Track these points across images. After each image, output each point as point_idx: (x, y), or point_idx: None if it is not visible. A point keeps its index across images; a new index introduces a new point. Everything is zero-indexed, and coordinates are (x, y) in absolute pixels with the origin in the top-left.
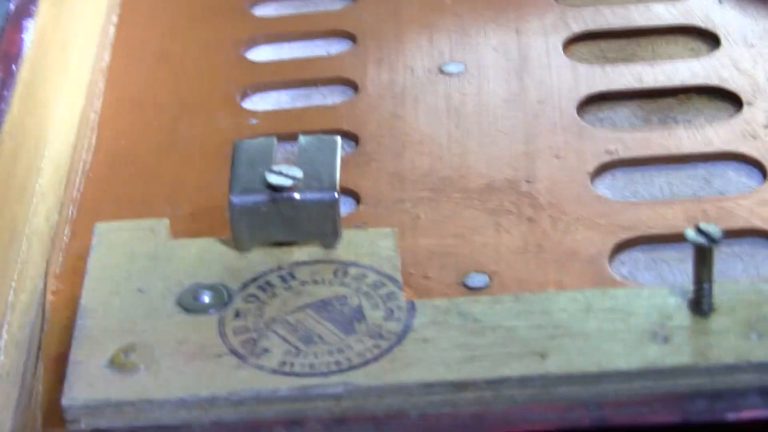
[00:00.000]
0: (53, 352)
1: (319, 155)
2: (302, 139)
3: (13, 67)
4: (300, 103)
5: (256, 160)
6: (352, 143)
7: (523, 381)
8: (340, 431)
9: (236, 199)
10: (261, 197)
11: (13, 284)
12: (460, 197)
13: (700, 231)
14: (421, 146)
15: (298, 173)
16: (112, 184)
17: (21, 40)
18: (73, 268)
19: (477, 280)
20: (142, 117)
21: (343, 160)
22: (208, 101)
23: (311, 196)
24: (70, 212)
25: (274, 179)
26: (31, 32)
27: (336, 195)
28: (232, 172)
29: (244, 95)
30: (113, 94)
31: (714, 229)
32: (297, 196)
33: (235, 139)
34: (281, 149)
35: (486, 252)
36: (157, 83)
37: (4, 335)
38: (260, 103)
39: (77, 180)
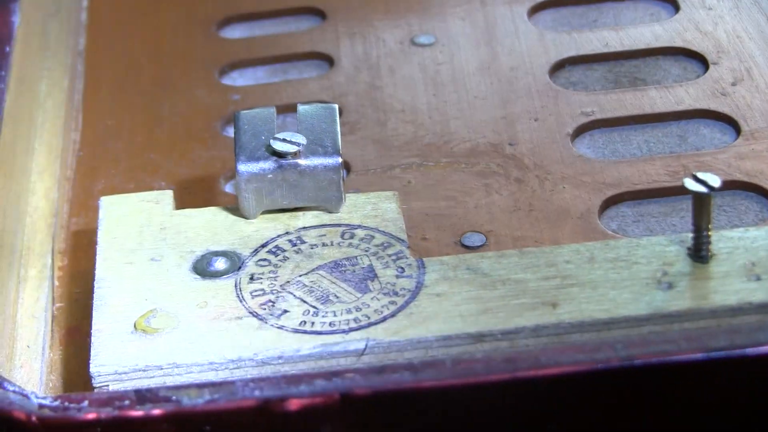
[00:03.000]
0: (65, 324)
1: (319, 122)
2: (301, 107)
3: (7, 48)
4: (278, 78)
5: (259, 128)
6: None
7: (538, 330)
8: (378, 380)
9: (243, 167)
10: (267, 164)
11: (22, 260)
12: (447, 162)
13: (697, 179)
14: (403, 114)
15: (302, 139)
16: (103, 162)
17: (11, 22)
18: (75, 243)
19: (474, 239)
20: (125, 96)
21: None
22: (187, 79)
23: (316, 161)
24: (66, 190)
25: (279, 146)
26: (18, 14)
27: (340, 159)
28: (236, 142)
29: (222, 72)
30: (93, 75)
31: (712, 177)
32: (302, 161)
33: (236, 111)
34: None
35: (479, 212)
36: (134, 63)
37: (20, 309)
38: (239, 79)
39: (69, 158)
